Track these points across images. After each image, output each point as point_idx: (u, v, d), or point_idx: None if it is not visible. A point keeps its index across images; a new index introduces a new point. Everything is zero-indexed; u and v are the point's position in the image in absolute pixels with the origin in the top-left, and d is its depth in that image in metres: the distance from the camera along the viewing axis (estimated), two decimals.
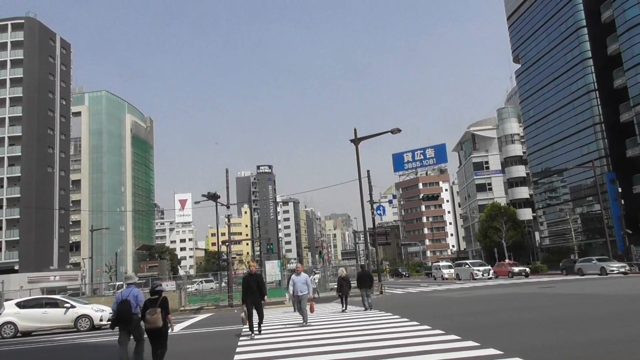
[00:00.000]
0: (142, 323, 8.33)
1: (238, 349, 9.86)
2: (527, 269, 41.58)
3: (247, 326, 11.75)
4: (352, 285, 20.01)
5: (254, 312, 11.79)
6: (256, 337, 11.29)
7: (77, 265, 72.99)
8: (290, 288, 14.26)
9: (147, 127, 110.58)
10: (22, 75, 67.02)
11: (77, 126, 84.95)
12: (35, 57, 68.56)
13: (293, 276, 14.36)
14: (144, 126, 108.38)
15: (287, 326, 13.83)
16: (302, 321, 13.71)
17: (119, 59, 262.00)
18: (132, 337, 8.50)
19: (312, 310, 14.34)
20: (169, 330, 8.35)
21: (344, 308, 17.70)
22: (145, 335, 8.36)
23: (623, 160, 48.73)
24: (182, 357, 9.78)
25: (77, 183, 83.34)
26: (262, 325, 12.13)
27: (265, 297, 12.12)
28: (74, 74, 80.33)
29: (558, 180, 60.51)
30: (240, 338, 11.70)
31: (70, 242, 74.49)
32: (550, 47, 59.92)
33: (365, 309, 17.24)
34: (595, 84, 52.71)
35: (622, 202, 46.51)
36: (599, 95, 52.41)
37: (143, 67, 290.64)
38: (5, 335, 17.93)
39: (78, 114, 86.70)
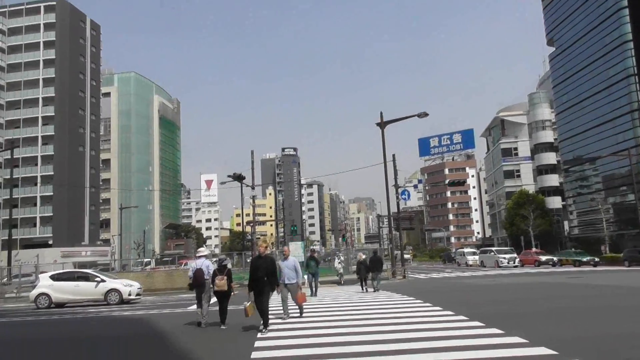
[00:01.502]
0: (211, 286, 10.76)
1: (261, 327, 9.98)
2: (555, 259, 40.84)
3: (263, 321, 9.59)
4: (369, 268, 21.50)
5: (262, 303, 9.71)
6: (267, 331, 9.34)
7: (106, 242, 75.02)
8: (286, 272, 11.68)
9: (174, 108, 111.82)
10: (54, 57, 68.35)
11: (107, 107, 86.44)
12: (67, 38, 69.77)
13: (279, 262, 11.82)
14: (171, 107, 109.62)
15: (308, 308, 13.92)
16: (283, 314, 11.43)
17: (146, 41, 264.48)
18: (203, 296, 10.99)
19: (301, 301, 11.32)
20: (232, 293, 10.80)
21: (364, 290, 19.46)
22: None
23: None
24: (208, 332, 9.95)
25: (106, 162, 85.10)
26: (268, 321, 9.58)
27: (276, 288, 9.89)
28: (103, 55, 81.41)
29: (590, 168, 58.92)
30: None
31: (100, 219, 76.48)
32: (587, 30, 57.81)
33: (374, 290, 18.97)
34: (635, 68, 50.75)
35: None
36: (638, 81, 50.52)
37: (170, 49, 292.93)
38: (40, 305, 18.65)
39: (107, 94, 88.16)
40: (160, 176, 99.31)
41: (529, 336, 7.66)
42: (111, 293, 18.99)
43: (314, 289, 18.09)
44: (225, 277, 10.55)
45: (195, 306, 11.64)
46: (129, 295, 19.20)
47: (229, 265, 11.26)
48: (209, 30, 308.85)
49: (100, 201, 76.55)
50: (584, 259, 37.51)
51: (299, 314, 11.59)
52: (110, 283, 19.36)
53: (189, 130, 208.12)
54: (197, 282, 10.93)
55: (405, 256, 67.68)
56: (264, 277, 9.39)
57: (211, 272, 10.89)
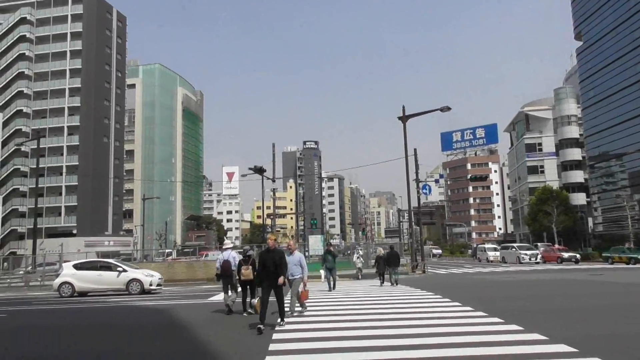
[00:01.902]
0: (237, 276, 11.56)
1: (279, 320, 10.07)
2: (577, 255, 40.09)
3: (279, 313, 9.29)
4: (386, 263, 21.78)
5: (272, 298, 9.14)
6: (281, 326, 9.03)
7: (129, 232, 76.28)
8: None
9: (197, 100, 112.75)
10: (81, 48, 69.51)
11: (131, 98, 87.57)
12: (94, 29, 70.85)
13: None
14: (194, 99, 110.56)
15: (325, 302, 13.98)
16: (299, 309, 11.24)
17: (169, 33, 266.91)
18: (230, 285, 11.92)
19: (304, 298, 11.00)
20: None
21: (381, 284, 19.82)
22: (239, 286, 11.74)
23: None
24: (228, 323, 10.09)
25: (130, 153, 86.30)
26: (284, 313, 9.39)
27: (281, 278, 9.07)
28: (128, 46, 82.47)
29: (616, 164, 57.64)
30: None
31: (124, 209, 77.78)
32: (616, 24, 56.37)
33: (392, 285, 19.26)
34: None
35: None
36: None
37: (192, 41, 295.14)
38: (63, 294, 19.05)
39: (132, 86, 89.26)
40: (183, 168, 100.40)
41: (549, 333, 7.58)
42: (133, 283, 19.28)
43: (331, 284, 17.86)
44: (251, 267, 11.25)
45: (217, 297, 11.94)
46: (150, 285, 19.48)
47: (254, 255, 12.01)
48: (225, 22, 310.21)
49: (124, 191, 77.81)
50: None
51: (300, 311, 11.03)
52: (132, 273, 19.66)
53: (211, 123, 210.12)
54: (225, 273, 11.89)
55: (435, 251, 67.63)
56: (275, 272, 8.90)
57: (237, 262, 11.75)
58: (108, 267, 19.90)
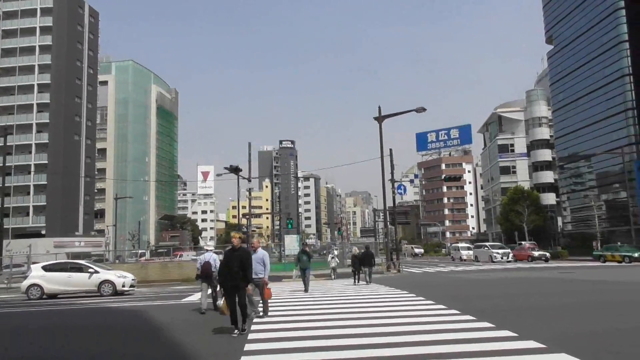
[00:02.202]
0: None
1: (255, 320, 10.05)
2: (547, 254, 41.07)
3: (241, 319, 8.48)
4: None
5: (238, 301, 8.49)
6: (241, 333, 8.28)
7: (101, 232, 74.83)
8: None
9: (171, 98, 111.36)
10: (50, 43, 67.82)
11: (104, 95, 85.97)
12: (64, 24, 69.19)
13: None
14: (168, 97, 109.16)
15: (299, 301, 14.01)
16: (260, 312, 10.74)
17: (143, 29, 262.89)
18: (210, 286, 12.19)
19: (267, 297, 10.37)
20: None
21: (356, 283, 20.04)
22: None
23: None
24: (203, 323, 10.02)
25: (102, 152, 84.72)
26: (245, 319, 8.53)
27: (249, 287, 8.60)
28: (101, 43, 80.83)
29: (585, 165, 59.23)
30: (257, 308, 11.91)
31: (95, 209, 76.26)
32: (585, 29, 57.93)
33: (367, 283, 19.71)
34: (630, 68, 50.97)
35: None
36: (632, 80, 50.71)
37: (166, 38, 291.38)
38: (31, 296, 18.56)
39: (105, 83, 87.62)
40: (157, 167, 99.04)
41: (519, 330, 7.75)
42: (105, 284, 18.92)
43: (306, 284, 17.30)
44: None
45: (191, 297, 11.83)
46: (123, 286, 19.17)
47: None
48: (200, 18, 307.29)
49: (95, 191, 76.31)
50: (635, 254, 33.72)
51: (262, 313, 10.56)
52: (104, 274, 19.30)
53: (186, 121, 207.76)
54: (205, 273, 12.21)
55: (417, 250, 68.24)
56: (239, 272, 8.28)
57: (218, 264, 11.73)
58: (79, 269, 19.47)
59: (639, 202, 46.77)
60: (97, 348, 7.98)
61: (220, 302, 8.54)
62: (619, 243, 40.79)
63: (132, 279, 20.07)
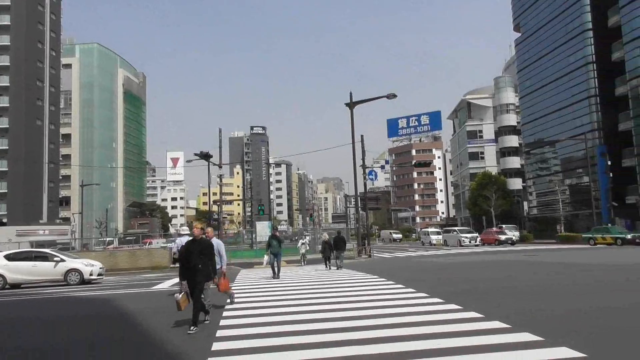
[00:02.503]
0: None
1: (226, 306, 10.04)
2: (513, 237, 42.21)
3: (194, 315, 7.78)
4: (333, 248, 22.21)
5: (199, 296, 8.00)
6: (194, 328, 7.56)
7: (66, 220, 73.09)
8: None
9: (139, 82, 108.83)
10: (9, 23, 65.08)
11: (67, 79, 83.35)
12: (23, 3, 66.34)
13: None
14: (136, 81, 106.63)
15: (271, 289, 14.04)
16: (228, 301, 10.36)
17: (109, 11, 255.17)
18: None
19: (224, 288, 9.76)
20: None
21: (327, 268, 20.31)
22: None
23: (615, 134, 48.96)
24: (174, 311, 9.93)
25: (67, 137, 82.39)
26: (203, 316, 8.12)
27: (215, 279, 8.26)
28: (64, 24, 78.15)
29: (550, 151, 60.76)
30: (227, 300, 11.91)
31: (60, 196, 74.30)
32: (551, 17, 58.99)
33: (338, 268, 19.88)
34: (594, 56, 52.28)
35: (611, 175, 46.97)
36: (596, 68, 52.06)
37: (133, 21, 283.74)
38: None
39: (68, 66, 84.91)
40: (125, 153, 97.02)
41: (485, 311, 7.97)
42: (71, 273, 18.56)
43: (276, 271, 16.97)
44: None
45: (160, 285, 11.69)
46: (91, 275, 18.85)
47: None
48: (171, 1, 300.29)
49: (60, 177, 74.29)
50: (629, 236, 32.74)
51: (229, 301, 10.25)
52: (71, 263, 18.93)
53: (155, 106, 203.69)
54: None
55: (395, 236, 68.50)
56: (199, 264, 7.78)
57: None
58: (44, 257, 19.01)
59: (601, 187, 48.35)
60: (63, 338, 7.83)
61: (179, 295, 7.89)
62: (609, 224, 40.01)
63: (100, 268, 19.75)
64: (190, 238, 8.35)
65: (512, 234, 44.04)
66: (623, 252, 25.96)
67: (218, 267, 9.44)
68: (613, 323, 6.93)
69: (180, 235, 13.15)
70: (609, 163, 46.54)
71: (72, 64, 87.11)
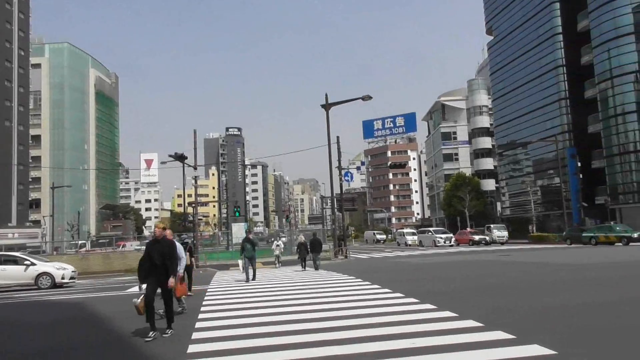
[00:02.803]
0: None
1: (203, 308, 9.97)
2: (487, 238, 42.95)
3: (167, 318, 7.69)
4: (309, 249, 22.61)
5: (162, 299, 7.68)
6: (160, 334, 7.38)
7: (37, 223, 71.27)
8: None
9: (111, 83, 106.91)
10: None
11: (37, 79, 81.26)
12: None
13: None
14: (108, 82, 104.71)
15: (246, 293, 13.99)
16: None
17: (82, 11, 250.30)
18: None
19: (180, 294, 8.97)
20: (194, 267, 13.84)
21: (303, 269, 20.66)
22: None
23: (584, 136, 50.24)
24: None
25: (36, 138, 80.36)
26: (173, 318, 7.71)
27: (171, 280, 7.46)
28: (34, 23, 76.31)
29: (522, 152, 62.00)
30: (205, 296, 11.80)
31: (30, 199, 72.38)
32: (522, 21, 60.25)
33: (315, 269, 20.29)
34: (564, 59, 53.59)
35: (581, 176, 48.21)
36: (566, 71, 53.37)
37: (105, 20, 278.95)
38: None
39: (38, 66, 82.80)
40: (97, 154, 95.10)
41: (459, 311, 8.10)
42: (42, 277, 18.19)
43: (250, 274, 16.35)
44: (188, 253, 12.64)
45: (135, 288, 11.50)
46: (62, 278, 18.49)
47: (190, 243, 13.78)
48: (143, 1, 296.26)
49: (30, 180, 72.35)
50: (635, 235, 30.64)
51: (181, 310, 9.52)
52: (42, 266, 18.55)
53: (127, 107, 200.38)
54: None
55: (379, 237, 67.76)
56: (162, 265, 7.40)
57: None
58: (14, 261, 18.57)
59: (572, 188, 49.55)
60: (34, 344, 7.66)
61: (138, 300, 7.53)
62: (612, 222, 38.58)
63: (73, 271, 19.39)
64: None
65: (501, 233, 45.06)
66: (602, 251, 26.66)
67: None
68: (583, 321, 7.13)
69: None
70: (579, 164, 47.76)
71: (41, 63, 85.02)
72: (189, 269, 12.71)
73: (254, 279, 16.40)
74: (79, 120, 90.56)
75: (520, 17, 60.75)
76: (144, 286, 7.55)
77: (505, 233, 45.96)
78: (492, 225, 48.54)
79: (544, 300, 9.16)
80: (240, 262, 17.33)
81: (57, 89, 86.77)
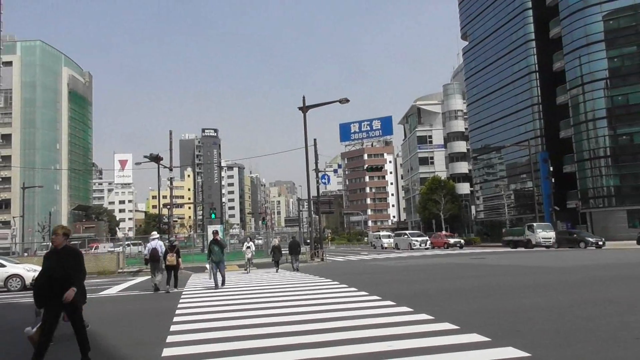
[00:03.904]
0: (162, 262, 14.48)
1: (177, 311, 9.84)
2: (462, 241, 43.55)
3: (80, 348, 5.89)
4: (283, 252, 23.35)
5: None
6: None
7: (6, 224, 69.45)
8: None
9: (85, 81, 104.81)
10: None
11: (8, 77, 79.28)
12: None
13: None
14: (82, 81, 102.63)
15: (217, 301, 13.88)
16: None
17: (55, 9, 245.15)
18: (156, 270, 14.65)
19: (65, 320, 6.40)
20: (180, 267, 15.02)
21: (276, 271, 21.03)
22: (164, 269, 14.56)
23: (556, 141, 51.42)
24: (123, 317, 9.65)
25: (7, 138, 78.43)
26: (88, 345, 5.90)
27: (71, 291, 5.62)
28: (5, 20, 74.34)
29: (496, 157, 63.10)
30: (181, 299, 11.65)
31: None
32: (496, 27, 61.42)
33: (293, 270, 20.88)
34: (536, 65, 54.78)
35: (553, 180, 49.33)
36: (538, 77, 54.55)
37: (79, 18, 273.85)
38: None
39: (9, 63, 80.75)
40: (69, 154, 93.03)
41: (435, 313, 8.18)
42: (12, 279, 17.71)
43: (219, 281, 14.73)
44: (175, 254, 14.47)
45: (108, 290, 11.40)
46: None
47: (178, 245, 15.67)
48: (125, 3, 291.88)
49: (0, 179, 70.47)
50: (451, 241, 35.20)
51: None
52: (11, 268, 18.06)
53: (101, 107, 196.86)
54: (153, 258, 14.66)
55: (385, 241, 67.29)
56: (65, 281, 5.68)
57: (163, 250, 14.64)
58: None
59: (544, 192, 50.62)
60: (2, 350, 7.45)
61: (32, 329, 6.08)
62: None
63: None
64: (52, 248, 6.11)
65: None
66: (571, 254, 27.23)
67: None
68: (555, 323, 7.28)
69: (151, 239, 15.20)
70: (551, 169, 48.86)
71: (13, 61, 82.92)
72: (175, 268, 14.39)
73: (223, 284, 14.89)
74: (51, 119, 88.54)
75: (494, 24, 61.91)
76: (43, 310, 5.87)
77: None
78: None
79: (518, 303, 9.32)
80: (207, 265, 15.82)
81: (28, 88, 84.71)
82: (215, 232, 15.21)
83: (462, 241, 43.55)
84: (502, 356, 5.46)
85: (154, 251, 14.65)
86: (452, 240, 42.94)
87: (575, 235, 35.79)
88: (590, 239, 33.70)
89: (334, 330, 7.14)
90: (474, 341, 6.19)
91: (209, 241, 13.51)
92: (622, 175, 46.66)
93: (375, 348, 6.00)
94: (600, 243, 32.91)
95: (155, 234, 15.69)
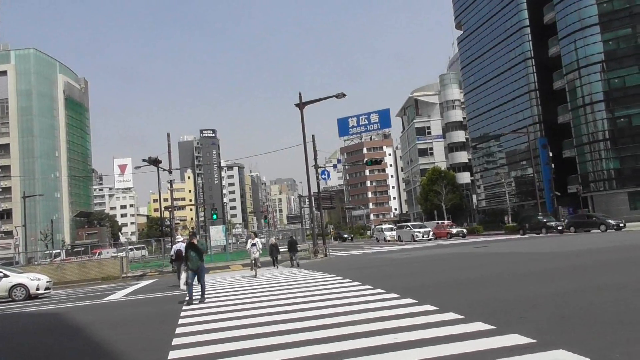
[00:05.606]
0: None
1: (182, 314, 9.85)
2: (464, 230, 43.55)
3: None
4: (281, 250, 24.93)
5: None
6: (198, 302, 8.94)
7: (8, 234, 69.46)
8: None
9: (81, 88, 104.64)
10: None
11: (3, 86, 79.28)
12: None
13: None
14: (78, 87, 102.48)
15: (238, 287, 13.88)
16: None
17: (47, 15, 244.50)
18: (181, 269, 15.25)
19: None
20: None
21: (275, 267, 21.93)
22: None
23: (555, 126, 51.36)
24: (129, 321, 9.66)
25: (5, 147, 78.38)
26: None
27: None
28: None
29: (495, 145, 63.04)
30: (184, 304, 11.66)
31: (0, 209, 70.49)
32: (490, 15, 61.24)
33: (292, 267, 21.74)
34: (532, 52, 54.65)
35: (552, 166, 49.27)
36: (534, 63, 54.43)
37: (72, 24, 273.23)
38: None
39: (4, 73, 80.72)
40: (68, 161, 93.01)
41: (439, 304, 8.18)
42: (16, 288, 17.75)
43: (194, 294, 11.55)
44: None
45: (113, 295, 11.32)
46: (37, 289, 18.06)
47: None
48: (110, 3, 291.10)
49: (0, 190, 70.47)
50: (454, 231, 35.03)
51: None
52: (15, 278, 18.09)
53: (98, 113, 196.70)
54: (179, 258, 15.91)
55: (390, 232, 66.97)
56: None
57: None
58: None
59: (544, 178, 50.61)
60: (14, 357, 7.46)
61: (183, 278, 8.00)
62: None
63: (48, 281, 18.95)
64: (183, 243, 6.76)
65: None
66: (575, 239, 27.24)
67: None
68: (560, 309, 7.28)
69: (176, 242, 17.71)
70: (550, 154, 48.82)
71: (7, 70, 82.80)
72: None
73: (203, 297, 11.60)
74: (49, 127, 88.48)
75: (488, 12, 61.73)
76: None
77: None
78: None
79: (521, 290, 9.32)
80: (183, 275, 13.95)
81: (24, 96, 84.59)
82: (192, 234, 12.24)
83: (465, 231, 43.56)
84: (507, 343, 5.46)
85: (179, 252, 16.09)
86: (454, 230, 42.93)
87: (595, 218, 35.50)
88: (611, 222, 33.39)
89: (339, 325, 7.14)
90: (479, 330, 6.19)
91: (208, 241, 13.64)
92: (622, 158, 46.63)
93: (381, 341, 6.00)
94: (622, 225, 32.44)
95: (180, 237, 18.25)
